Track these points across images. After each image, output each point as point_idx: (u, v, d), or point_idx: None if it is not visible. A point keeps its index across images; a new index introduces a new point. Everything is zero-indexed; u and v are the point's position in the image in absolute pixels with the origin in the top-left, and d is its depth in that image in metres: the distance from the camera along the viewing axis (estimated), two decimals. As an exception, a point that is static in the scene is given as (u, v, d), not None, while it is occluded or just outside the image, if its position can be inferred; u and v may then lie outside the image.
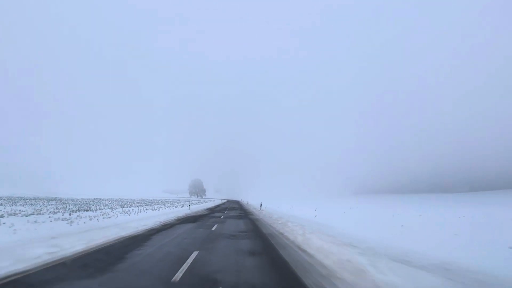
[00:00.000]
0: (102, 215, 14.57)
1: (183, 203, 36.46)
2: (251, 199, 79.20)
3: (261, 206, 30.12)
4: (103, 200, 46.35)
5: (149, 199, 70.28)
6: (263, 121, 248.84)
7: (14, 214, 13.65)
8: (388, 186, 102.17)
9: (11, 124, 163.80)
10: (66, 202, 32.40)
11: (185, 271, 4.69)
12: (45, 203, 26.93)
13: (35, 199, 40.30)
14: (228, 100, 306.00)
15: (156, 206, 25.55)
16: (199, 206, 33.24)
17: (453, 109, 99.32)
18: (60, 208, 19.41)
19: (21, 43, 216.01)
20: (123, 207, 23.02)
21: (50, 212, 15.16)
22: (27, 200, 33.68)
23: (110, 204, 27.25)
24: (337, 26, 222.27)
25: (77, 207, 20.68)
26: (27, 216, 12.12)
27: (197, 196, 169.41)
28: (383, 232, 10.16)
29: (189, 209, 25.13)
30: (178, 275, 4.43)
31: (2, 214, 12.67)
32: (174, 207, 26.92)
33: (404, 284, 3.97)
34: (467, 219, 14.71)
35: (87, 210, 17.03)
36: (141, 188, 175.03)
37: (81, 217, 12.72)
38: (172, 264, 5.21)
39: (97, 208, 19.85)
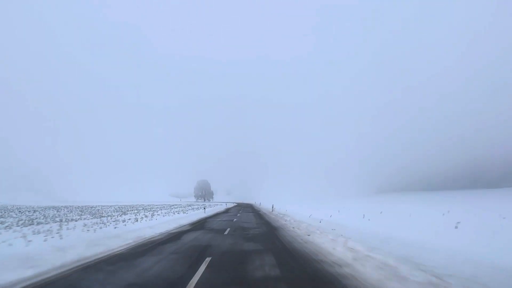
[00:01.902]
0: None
1: (142, 215, 19.42)
2: (275, 202, 59.17)
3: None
4: (92, 207, 39.00)
5: (145, 204, 58.81)
6: (269, 121, 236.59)
7: None
8: (418, 183, 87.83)
9: (24, 130, 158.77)
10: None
11: None
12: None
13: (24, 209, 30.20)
14: (232, 100, 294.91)
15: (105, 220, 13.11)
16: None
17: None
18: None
19: (28, 47, 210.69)
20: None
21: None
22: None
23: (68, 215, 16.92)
24: (337, 24, 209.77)
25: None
26: None
27: (204, 200, 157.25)
28: None
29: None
30: None
31: None
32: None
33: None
34: None
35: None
36: (149, 192, 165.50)
37: None
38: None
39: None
